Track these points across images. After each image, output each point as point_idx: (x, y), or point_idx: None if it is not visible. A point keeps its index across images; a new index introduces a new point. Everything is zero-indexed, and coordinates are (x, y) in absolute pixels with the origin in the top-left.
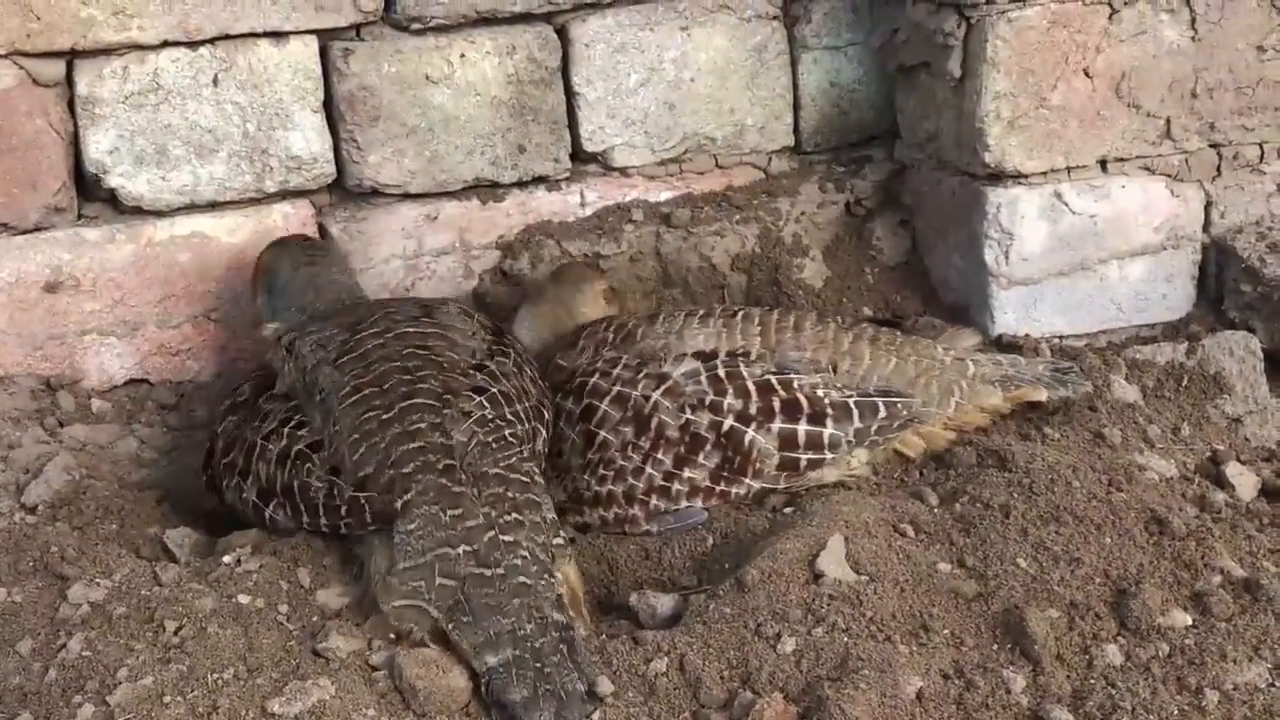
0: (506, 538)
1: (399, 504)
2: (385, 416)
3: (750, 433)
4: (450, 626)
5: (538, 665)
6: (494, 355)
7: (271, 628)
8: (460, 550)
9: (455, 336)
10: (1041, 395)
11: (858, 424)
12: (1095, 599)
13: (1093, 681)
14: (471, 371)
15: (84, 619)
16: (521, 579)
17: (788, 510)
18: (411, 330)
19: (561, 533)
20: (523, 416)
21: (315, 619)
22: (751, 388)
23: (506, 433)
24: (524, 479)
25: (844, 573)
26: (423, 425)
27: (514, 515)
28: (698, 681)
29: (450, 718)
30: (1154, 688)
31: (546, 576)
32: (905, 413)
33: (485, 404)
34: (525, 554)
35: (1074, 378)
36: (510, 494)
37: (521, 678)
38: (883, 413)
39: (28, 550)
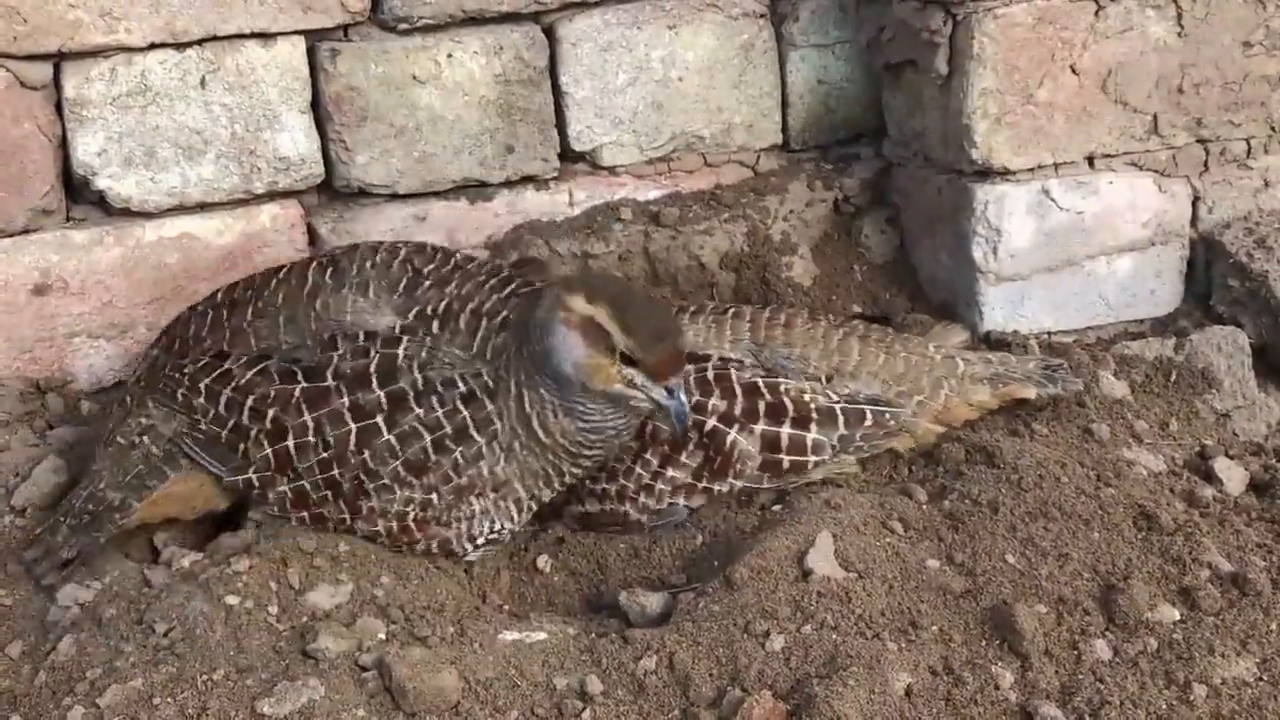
0: None
1: None
2: None
3: (732, 434)
4: None
5: None
6: None
7: (261, 629)
8: None
9: None
10: (1031, 393)
11: (843, 430)
12: (1083, 594)
13: (1081, 677)
14: None
15: (74, 621)
16: None
17: (776, 508)
18: None
19: None
20: None
21: (305, 620)
22: (738, 389)
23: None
24: None
25: (833, 570)
26: None
27: None
28: (687, 679)
29: (440, 717)
30: (1142, 682)
31: None
32: (893, 422)
33: None
34: None
35: (1064, 375)
36: None
37: None
38: (869, 421)
39: (17, 553)
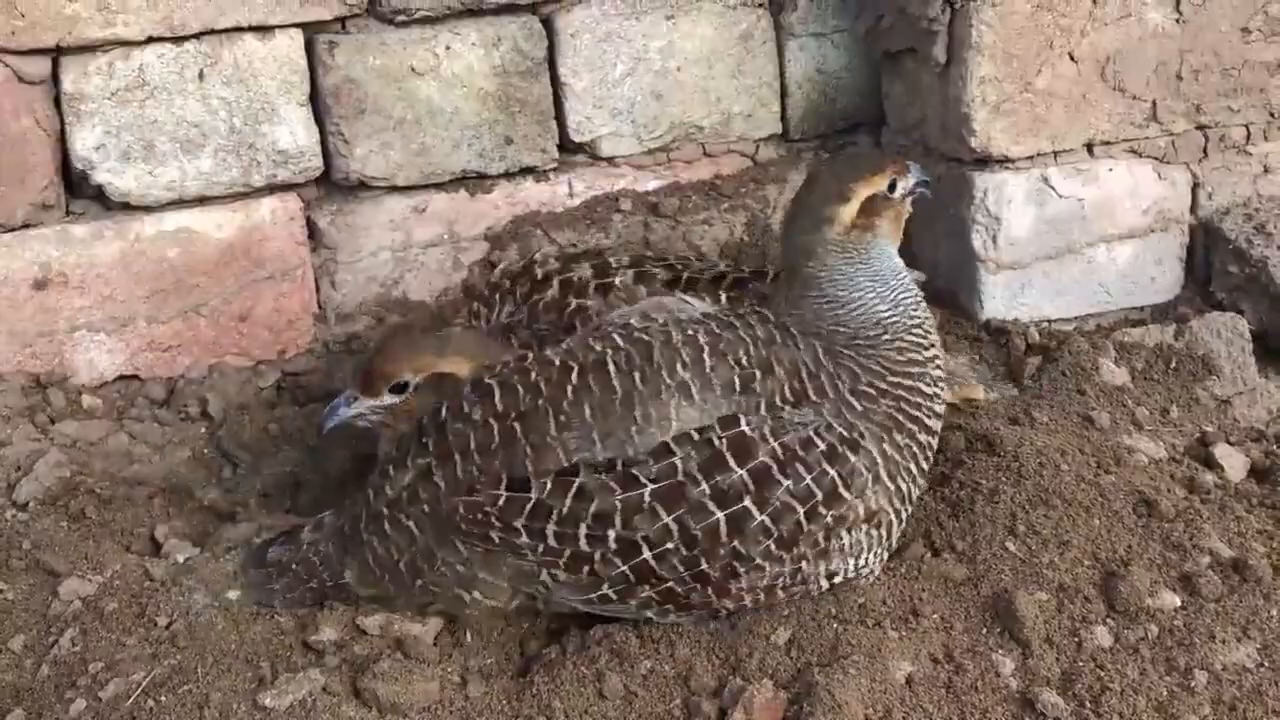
0: None
1: None
2: None
3: None
4: None
5: None
6: None
7: (262, 621)
8: None
9: None
10: (979, 393)
11: None
12: (1084, 581)
13: (1082, 664)
14: None
15: (75, 615)
16: None
17: None
18: None
19: None
20: None
21: (305, 612)
22: None
23: None
24: None
25: None
26: None
27: None
28: (689, 669)
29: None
30: (1143, 669)
31: None
32: None
33: None
34: None
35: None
36: None
37: None
38: None
39: (19, 547)
